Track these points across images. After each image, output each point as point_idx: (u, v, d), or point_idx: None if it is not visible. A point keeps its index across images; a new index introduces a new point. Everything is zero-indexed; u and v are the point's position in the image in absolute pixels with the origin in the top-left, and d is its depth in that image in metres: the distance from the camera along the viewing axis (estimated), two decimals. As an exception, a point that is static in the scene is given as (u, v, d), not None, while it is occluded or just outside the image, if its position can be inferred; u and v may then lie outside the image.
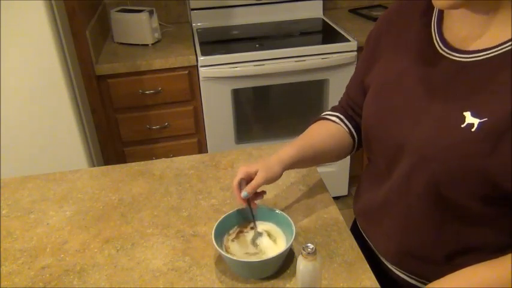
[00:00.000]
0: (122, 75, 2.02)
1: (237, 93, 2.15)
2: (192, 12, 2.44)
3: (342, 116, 1.01)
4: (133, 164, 1.29)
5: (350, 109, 1.01)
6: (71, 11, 1.76)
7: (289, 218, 0.93)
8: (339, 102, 1.06)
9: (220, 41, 2.31)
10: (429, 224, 0.80)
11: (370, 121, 0.88)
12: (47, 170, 1.32)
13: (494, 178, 0.69)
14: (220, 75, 2.06)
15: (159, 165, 1.28)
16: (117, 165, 1.29)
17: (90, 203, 1.13)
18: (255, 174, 0.93)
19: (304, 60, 2.08)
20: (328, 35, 2.33)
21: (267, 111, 2.37)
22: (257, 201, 0.98)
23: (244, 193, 0.92)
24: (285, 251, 0.86)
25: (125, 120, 2.13)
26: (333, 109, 1.05)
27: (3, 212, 1.12)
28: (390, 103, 0.83)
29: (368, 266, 0.91)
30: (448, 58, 0.76)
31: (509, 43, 0.69)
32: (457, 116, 0.71)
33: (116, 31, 2.23)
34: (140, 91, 2.06)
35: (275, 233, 0.95)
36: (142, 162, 1.29)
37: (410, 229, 0.83)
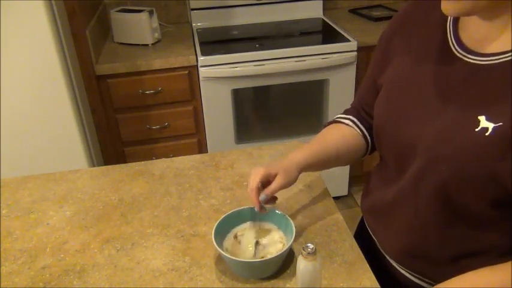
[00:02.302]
0: (121, 75, 2.02)
1: (237, 93, 2.15)
2: (192, 12, 2.44)
3: (354, 119, 1.00)
4: (133, 164, 1.29)
5: (362, 111, 1.00)
6: (71, 11, 1.76)
7: (289, 218, 0.93)
8: (351, 104, 1.04)
9: (220, 41, 2.31)
10: (436, 225, 0.80)
11: (381, 120, 0.87)
12: (47, 170, 1.32)
13: (505, 182, 0.69)
14: (220, 75, 2.06)
15: (159, 165, 1.28)
16: (117, 165, 1.29)
17: (90, 203, 1.13)
18: (274, 177, 0.90)
19: (304, 60, 2.08)
20: (328, 35, 2.33)
21: (267, 111, 2.36)
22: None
23: (262, 196, 0.89)
24: (285, 251, 0.86)
25: (125, 120, 2.13)
26: (346, 112, 1.04)
27: (3, 212, 1.12)
28: (402, 103, 0.82)
29: (368, 266, 0.91)
30: (463, 60, 0.75)
31: None
32: (471, 120, 0.71)
33: (116, 31, 2.23)
34: (140, 91, 2.06)
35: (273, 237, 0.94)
36: (142, 162, 1.29)
37: (417, 229, 0.83)
